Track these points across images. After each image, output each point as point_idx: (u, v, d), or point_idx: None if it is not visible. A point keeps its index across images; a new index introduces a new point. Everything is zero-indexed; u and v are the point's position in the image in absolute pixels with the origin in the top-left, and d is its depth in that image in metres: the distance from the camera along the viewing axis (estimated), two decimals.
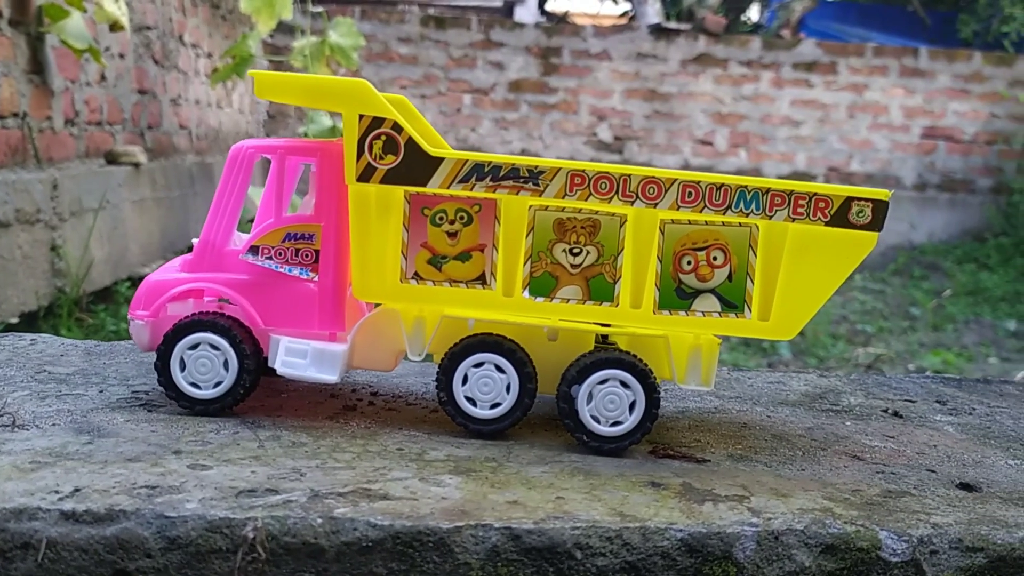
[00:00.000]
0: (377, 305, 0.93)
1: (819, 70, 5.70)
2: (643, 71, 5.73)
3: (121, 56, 3.33)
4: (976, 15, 6.65)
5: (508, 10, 7.26)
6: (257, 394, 0.95)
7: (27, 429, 0.82)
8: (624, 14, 7.87)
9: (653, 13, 6.26)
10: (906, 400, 1.12)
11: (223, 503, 0.70)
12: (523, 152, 5.74)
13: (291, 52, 3.37)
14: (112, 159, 3.27)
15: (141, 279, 3.39)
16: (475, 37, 5.68)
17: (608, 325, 0.90)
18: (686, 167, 5.77)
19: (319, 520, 0.69)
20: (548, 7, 7.80)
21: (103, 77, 3.17)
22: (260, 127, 5.59)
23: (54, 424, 0.84)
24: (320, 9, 3.44)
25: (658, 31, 5.77)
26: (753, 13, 7.96)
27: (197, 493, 0.71)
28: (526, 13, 7.09)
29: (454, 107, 5.67)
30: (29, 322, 2.61)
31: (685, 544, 0.70)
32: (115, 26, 2.88)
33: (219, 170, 4.61)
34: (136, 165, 3.41)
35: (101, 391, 0.95)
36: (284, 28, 4.47)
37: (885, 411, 1.06)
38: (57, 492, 0.69)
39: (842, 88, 5.70)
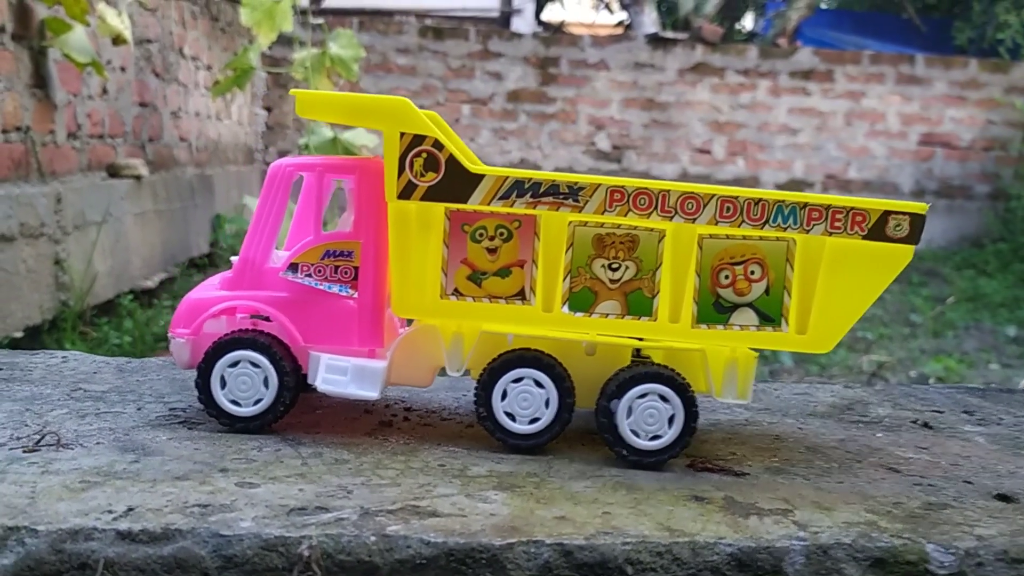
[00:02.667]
0: (410, 321, 0.94)
1: (816, 78, 5.73)
2: (641, 80, 5.75)
3: (122, 69, 3.34)
4: (971, 22, 6.70)
5: (504, 20, 7.28)
6: (293, 410, 0.96)
7: (72, 448, 0.82)
8: (620, 23, 7.90)
9: (649, 22, 6.28)
10: (934, 411, 1.13)
11: (276, 521, 0.70)
12: (522, 162, 5.75)
13: (290, 64, 3.38)
14: (114, 172, 3.27)
15: (143, 292, 3.39)
16: (473, 47, 5.69)
17: (641, 339, 0.90)
18: (684, 176, 5.79)
19: (372, 538, 0.69)
20: (544, 17, 7.83)
21: (105, 90, 3.17)
22: (259, 138, 5.59)
23: (98, 443, 0.84)
24: (320, 21, 3.45)
25: (655, 41, 5.79)
26: (747, 21, 8.00)
27: (249, 511, 0.71)
28: (522, 23, 7.11)
29: (453, 117, 5.68)
30: (33, 336, 2.61)
31: (735, 559, 0.71)
32: (118, 40, 2.88)
33: (219, 182, 4.62)
34: (138, 178, 3.41)
35: (139, 408, 0.95)
36: (282, 40, 4.48)
37: (914, 422, 1.07)
38: (111, 512, 0.70)
39: (839, 96, 5.73)
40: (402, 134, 0.84)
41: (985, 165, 5.80)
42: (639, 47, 5.78)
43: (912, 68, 5.75)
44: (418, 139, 0.85)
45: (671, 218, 0.85)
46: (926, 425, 1.06)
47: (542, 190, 0.85)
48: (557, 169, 5.75)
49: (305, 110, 0.85)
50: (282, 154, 5.64)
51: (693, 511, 0.77)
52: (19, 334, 2.54)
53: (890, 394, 1.19)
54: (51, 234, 2.72)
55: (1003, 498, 0.84)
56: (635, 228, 0.86)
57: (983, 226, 5.70)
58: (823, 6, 7.62)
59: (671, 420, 0.87)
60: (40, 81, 2.68)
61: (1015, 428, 1.07)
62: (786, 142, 5.79)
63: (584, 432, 0.96)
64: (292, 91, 0.86)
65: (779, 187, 5.81)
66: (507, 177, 0.85)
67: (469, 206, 0.86)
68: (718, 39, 5.84)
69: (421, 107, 0.87)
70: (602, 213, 0.85)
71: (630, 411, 0.87)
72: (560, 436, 0.92)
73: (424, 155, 0.85)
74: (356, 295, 0.89)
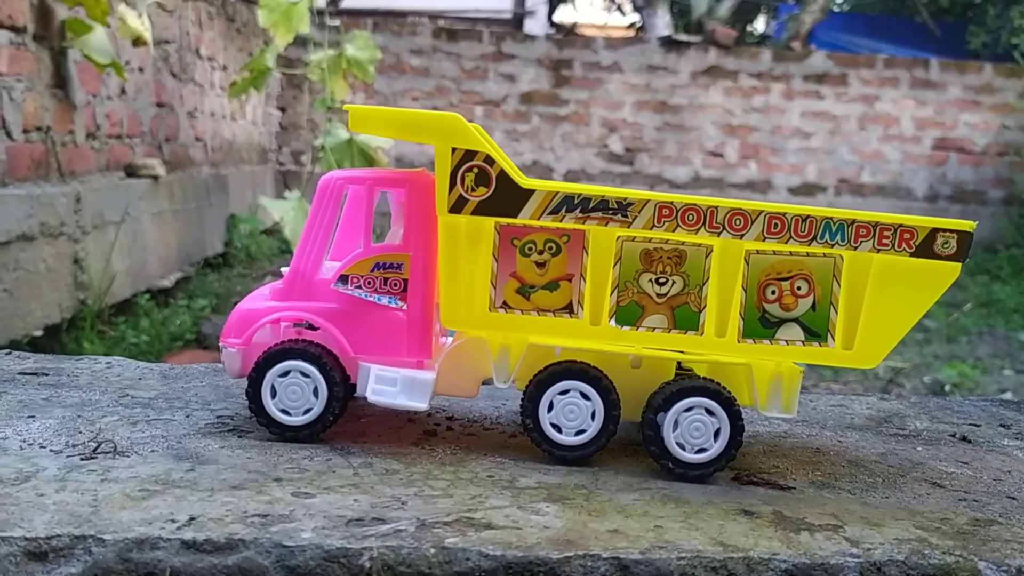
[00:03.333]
0: (450, 332, 0.95)
1: (829, 82, 5.73)
2: (654, 83, 5.75)
3: (140, 70, 3.35)
4: (985, 26, 6.69)
5: (517, 22, 7.30)
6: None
7: (127, 456, 0.83)
8: (632, 25, 7.91)
9: (662, 25, 6.29)
10: (971, 424, 1.13)
11: (336, 532, 0.71)
12: (534, 164, 5.76)
13: (306, 65, 3.39)
14: (132, 172, 3.29)
15: (160, 291, 3.40)
16: (486, 49, 5.70)
17: (686, 353, 0.91)
18: (696, 178, 5.79)
19: (432, 550, 0.70)
20: (557, 19, 7.84)
21: (123, 91, 3.18)
22: (273, 138, 5.61)
23: (152, 450, 0.85)
24: (336, 23, 3.46)
25: (668, 43, 5.80)
26: (760, 24, 8.00)
27: (308, 522, 0.72)
28: (535, 25, 7.12)
29: (466, 119, 5.68)
30: (52, 335, 2.63)
31: (790, 575, 0.71)
32: (138, 41, 2.89)
33: (234, 182, 4.64)
34: (155, 178, 3.43)
35: (187, 416, 0.96)
36: (297, 40, 4.49)
37: (953, 436, 1.08)
38: (174, 521, 0.71)
39: (852, 100, 5.73)
40: (454, 149, 0.85)
41: (999, 170, 5.80)
42: (652, 49, 5.79)
43: (926, 72, 5.75)
44: (469, 154, 0.86)
45: (719, 234, 0.86)
46: (964, 439, 1.07)
47: (591, 205, 0.86)
48: (569, 171, 5.77)
49: (358, 125, 0.86)
50: (295, 154, 5.66)
51: (744, 526, 0.77)
52: (39, 333, 2.55)
53: (925, 407, 1.20)
54: (70, 233, 2.73)
55: None
56: (683, 243, 0.87)
57: (997, 231, 5.70)
58: (836, 10, 7.62)
59: (717, 433, 0.87)
60: (60, 82, 2.70)
61: None
62: (799, 146, 5.79)
63: (627, 443, 0.97)
64: (345, 106, 0.87)
65: (792, 190, 5.81)
66: (557, 192, 0.86)
67: (519, 221, 0.87)
68: (731, 42, 5.84)
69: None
70: (650, 228, 0.86)
71: (676, 424, 0.87)
72: (604, 447, 0.93)
73: (475, 170, 0.86)
74: (405, 307, 0.90)
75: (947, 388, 3.23)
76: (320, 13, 3.59)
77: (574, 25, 7.86)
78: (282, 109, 5.68)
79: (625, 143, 5.80)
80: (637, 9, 7.03)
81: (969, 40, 6.80)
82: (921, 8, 7.10)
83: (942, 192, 5.81)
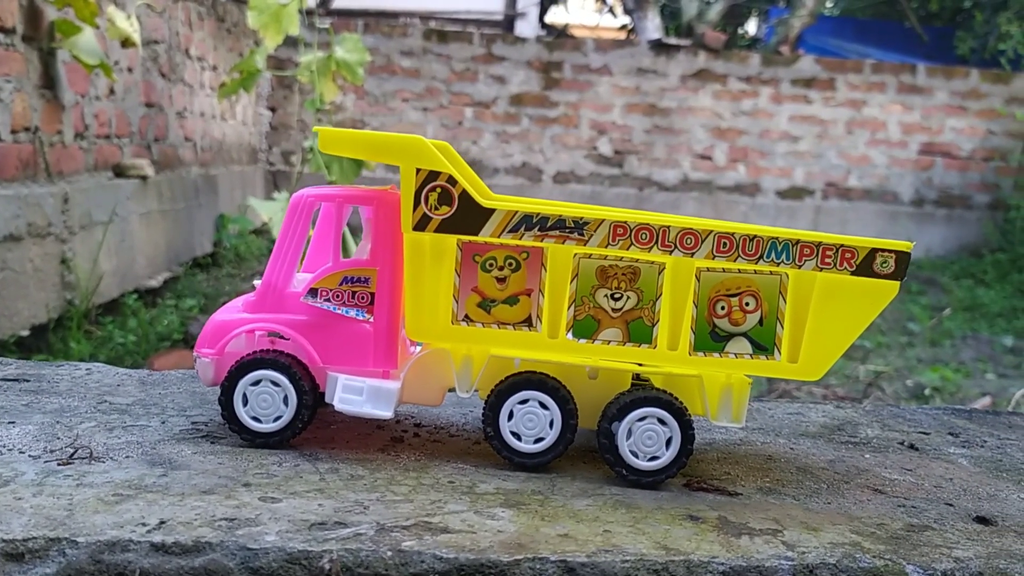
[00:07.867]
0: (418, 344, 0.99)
1: (818, 86, 5.78)
2: (643, 86, 5.80)
3: (129, 70, 3.38)
4: (973, 32, 6.75)
5: (508, 24, 7.33)
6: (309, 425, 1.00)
7: (103, 461, 0.87)
8: (623, 28, 7.95)
9: (653, 28, 6.33)
10: (920, 432, 1.18)
11: (299, 536, 0.75)
12: (523, 165, 5.80)
13: (296, 67, 3.42)
14: (120, 172, 3.32)
15: (148, 291, 3.42)
16: (477, 51, 5.74)
17: (642, 365, 0.95)
18: (685, 181, 5.84)
19: (389, 553, 0.74)
20: (548, 20, 7.88)
21: (112, 91, 3.21)
22: (263, 139, 5.64)
23: (127, 456, 0.89)
24: (326, 25, 3.49)
25: (658, 46, 5.84)
26: (750, 27, 8.05)
27: (273, 526, 0.76)
28: (526, 27, 7.16)
29: (456, 120, 5.73)
30: (39, 335, 2.66)
31: None
32: (127, 42, 2.93)
33: (223, 182, 4.67)
34: (143, 178, 3.46)
35: (163, 422, 1.00)
36: (288, 40, 4.53)
37: (901, 443, 1.12)
38: (144, 524, 0.75)
39: (840, 104, 5.78)
40: (418, 170, 0.89)
41: (985, 175, 5.86)
42: (642, 52, 5.83)
43: (913, 77, 5.80)
44: (433, 175, 0.90)
45: (671, 252, 0.90)
46: (912, 447, 1.11)
47: (549, 224, 0.90)
48: (559, 172, 5.81)
49: (327, 146, 0.90)
50: (285, 154, 5.69)
51: (688, 530, 0.81)
52: (25, 332, 2.58)
53: (879, 415, 1.24)
54: (58, 234, 2.77)
55: (982, 521, 0.89)
56: (637, 261, 0.91)
57: (982, 236, 5.76)
58: (826, 14, 7.67)
59: (669, 442, 0.91)
60: (49, 82, 2.73)
61: (998, 451, 1.12)
62: (787, 149, 5.84)
63: (585, 450, 1.01)
64: (314, 128, 0.91)
65: (780, 194, 5.86)
66: (516, 211, 0.90)
67: (480, 238, 0.91)
68: (721, 46, 5.89)
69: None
70: (606, 246, 0.90)
71: (630, 433, 0.91)
72: (563, 454, 0.97)
73: (438, 190, 0.90)
74: (372, 319, 0.94)
75: (928, 392, 3.28)
76: (310, 14, 3.62)
77: (565, 27, 7.90)
78: (272, 109, 5.71)
79: (614, 145, 5.84)
80: (628, 12, 7.07)
81: (957, 45, 6.85)
82: (910, 13, 7.15)
83: (928, 196, 5.87)
